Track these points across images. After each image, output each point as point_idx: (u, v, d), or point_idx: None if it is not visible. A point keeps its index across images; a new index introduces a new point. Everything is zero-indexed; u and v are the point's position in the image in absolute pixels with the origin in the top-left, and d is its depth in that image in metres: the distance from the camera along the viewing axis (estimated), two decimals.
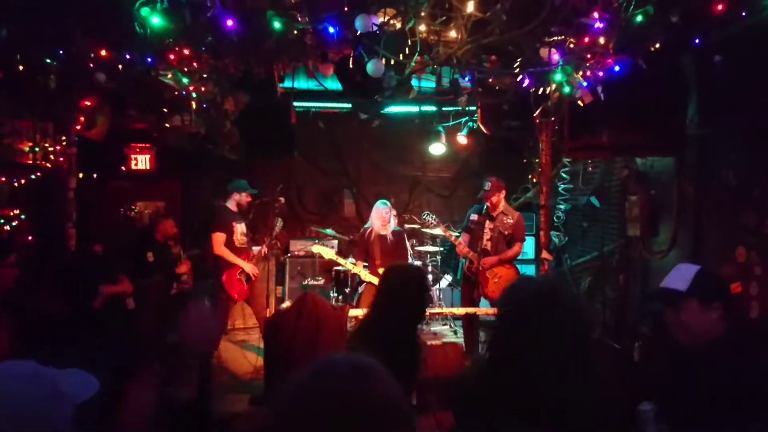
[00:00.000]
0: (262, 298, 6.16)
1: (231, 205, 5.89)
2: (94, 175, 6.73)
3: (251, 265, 5.78)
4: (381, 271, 5.81)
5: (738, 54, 3.89)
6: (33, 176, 5.62)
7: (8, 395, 1.19)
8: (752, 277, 4.12)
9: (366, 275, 5.95)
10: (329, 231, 6.21)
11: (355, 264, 6.05)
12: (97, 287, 2.77)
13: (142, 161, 7.41)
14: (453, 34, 3.47)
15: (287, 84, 5.62)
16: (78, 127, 5.44)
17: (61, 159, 5.49)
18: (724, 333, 2.00)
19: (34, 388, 1.22)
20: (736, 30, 3.31)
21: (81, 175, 5.82)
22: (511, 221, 5.57)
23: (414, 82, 5.15)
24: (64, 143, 5.52)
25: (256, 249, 6.08)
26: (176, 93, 5.19)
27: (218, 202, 7.43)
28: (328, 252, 6.07)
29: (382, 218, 5.95)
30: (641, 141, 4.58)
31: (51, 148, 5.55)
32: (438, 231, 6.01)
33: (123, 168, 7.37)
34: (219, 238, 5.71)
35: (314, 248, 6.17)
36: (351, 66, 3.54)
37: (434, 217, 5.88)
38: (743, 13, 3.12)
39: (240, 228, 5.87)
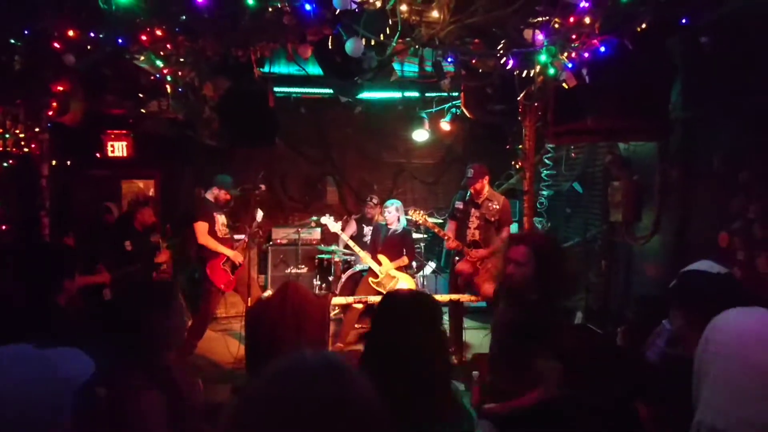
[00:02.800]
0: (254, 288, 6.05)
1: (210, 196, 5.91)
2: (68, 163, 6.54)
3: (235, 252, 5.75)
4: (380, 257, 5.90)
5: (725, 36, 3.85)
6: (5, 164, 5.44)
7: (10, 379, 1.15)
8: (735, 262, 4.12)
9: (365, 255, 6.01)
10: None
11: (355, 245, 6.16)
12: (59, 282, 2.65)
13: (119, 148, 7.23)
14: (435, 14, 3.38)
15: (267, 69, 5.50)
16: (50, 113, 5.28)
17: (33, 145, 5.32)
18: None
19: (36, 371, 1.19)
20: (724, 11, 3.26)
21: (54, 163, 5.67)
22: (497, 206, 5.52)
23: (396, 65, 5.05)
24: (36, 130, 5.35)
25: (238, 237, 6.01)
26: (153, 78, 5.04)
27: (199, 190, 7.33)
28: (335, 226, 6.22)
29: (383, 216, 6.15)
30: (626, 125, 4.54)
31: (22, 135, 5.37)
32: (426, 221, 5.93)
33: (99, 155, 7.18)
34: (202, 227, 5.69)
35: (323, 219, 6.35)
36: (330, 47, 3.44)
37: (421, 213, 5.82)
38: None
39: (221, 219, 5.87)
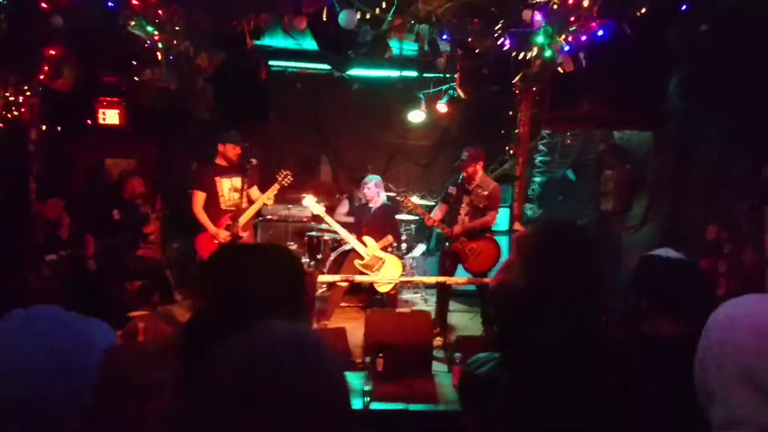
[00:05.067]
0: None
1: (219, 159, 5.40)
2: (59, 128, 6.45)
3: (217, 230, 5.26)
4: (366, 238, 5.88)
5: (725, 27, 3.82)
6: None
7: (50, 340, 1.13)
8: (721, 255, 4.13)
9: (349, 237, 5.93)
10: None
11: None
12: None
13: (110, 116, 7.11)
14: None
15: (264, 42, 5.40)
16: (42, 77, 5.20)
17: (23, 110, 5.25)
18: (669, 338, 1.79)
19: (72, 335, 1.17)
20: (724, 2, 3.23)
21: (44, 128, 5.60)
22: (486, 193, 5.50)
23: (395, 43, 4.99)
24: (27, 94, 5.27)
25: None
26: (147, 45, 4.96)
27: (194, 164, 7.21)
28: (317, 208, 5.93)
29: (363, 193, 6.04)
30: (621, 114, 4.52)
31: (12, 98, 5.29)
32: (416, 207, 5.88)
33: (90, 122, 7.08)
34: (196, 197, 5.32)
35: (305, 201, 5.99)
36: (325, 20, 3.38)
37: (411, 198, 5.82)
38: None
39: (228, 183, 5.36)
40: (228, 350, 0.86)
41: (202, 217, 5.32)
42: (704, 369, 1.21)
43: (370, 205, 6.02)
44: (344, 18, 3.01)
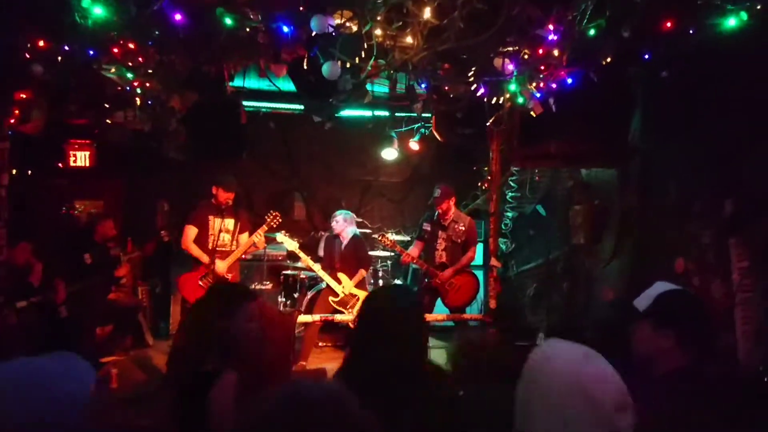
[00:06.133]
0: None
1: (214, 199, 5.46)
2: (29, 172, 6.35)
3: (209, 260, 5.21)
4: (340, 275, 5.87)
5: (684, 70, 4.06)
6: None
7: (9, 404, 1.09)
8: (691, 287, 4.28)
9: (324, 275, 5.89)
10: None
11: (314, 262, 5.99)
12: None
13: (81, 158, 7.04)
14: (409, 39, 3.45)
15: (238, 83, 5.46)
16: (12, 121, 5.14)
17: None
18: (682, 369, 1.83)
19: (35, 390, 1.12)
20: (684, 47, 3.45)
21: (15, 172, 5.50)
22: (463, 228, 5.61)
23: (368, 86, 5.11)
24: None
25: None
26: (119, 88, 4.96)
27: (161, 203, 7.14)
28: (291, 243, 5.92)
29: (332, 227, 6.05)
30: (587, 152, 4.71)
31: None
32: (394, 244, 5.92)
33: (60, 165, 7.00)
34: (187, 231, 5.32)
35: (278, 237, 5.94)
36: (305, 67, 3.47)
37: (388, 236, 5.88)
38: (691, 31, 3.24)
39: (218, 223, 5.37)
40: (264, 405, 0.89)
41: (194, 249, 5.31)
42: (521, 405, 1.31)
43: (340, 239, 6.02)
44: (327, 70, 3.10)
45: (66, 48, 3.23)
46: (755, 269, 3.99)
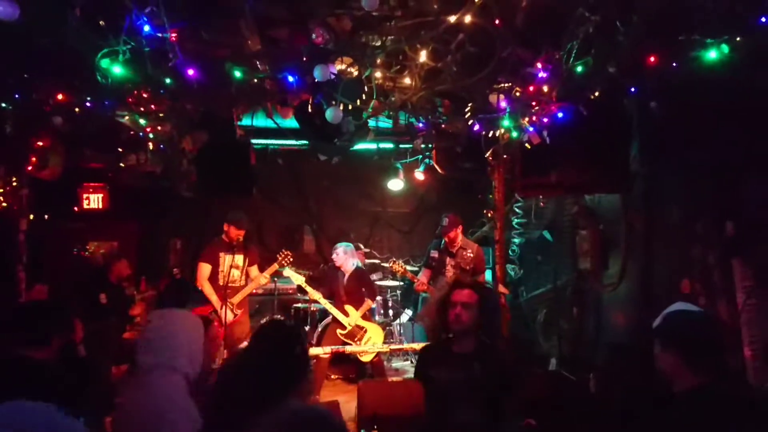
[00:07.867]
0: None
1: (225, 236, 5.65)
2: (46, 216, 6.55)
3: (221, 303, 5.30)
4: (347, 308, 5.94)
5: (673, 98, 4.19)
6: None
7: None
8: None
9: (331, 308, 5.94)
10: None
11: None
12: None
13: (94, 200, 7.26)
14: (407, 81, 3.62)
15: (246, 122, 5.66)
16: (30, 168, 5.34)
17: (12, 201, 5.36)
18: (696, 388, 1.88)
19: None
20: (669, 79, 3.57)
21: (32, 217, 5.69)
22: (471, 255, 5.71)
23: (371, 122, 5.28)
24: (15, 184, 5.40)
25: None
26: (132, 132, 5.16)
27: (174, 242, 7.28)
28: (297, 278, 6.03)
29: (333, 259, 6.07)
30: (588, 179, 4.80)
31: (1, 190, 5.41)
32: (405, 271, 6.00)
33: (75, 208, 7.20)
34: (201, 269, 5.50)
35: (285, 271, 6.05)
36: (310, 110, 3.64)
37: (400, 264, 5.97)
38: (674, 64, 3.37)
39: (229, 260, 5.51)
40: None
41: (207, 288, 5.46)
42: None
43: (342, 271, 6.02)
44: (331, 114, 3.26)
45: (88, 104, 3.42)
46: (759, 289, 4.03)
